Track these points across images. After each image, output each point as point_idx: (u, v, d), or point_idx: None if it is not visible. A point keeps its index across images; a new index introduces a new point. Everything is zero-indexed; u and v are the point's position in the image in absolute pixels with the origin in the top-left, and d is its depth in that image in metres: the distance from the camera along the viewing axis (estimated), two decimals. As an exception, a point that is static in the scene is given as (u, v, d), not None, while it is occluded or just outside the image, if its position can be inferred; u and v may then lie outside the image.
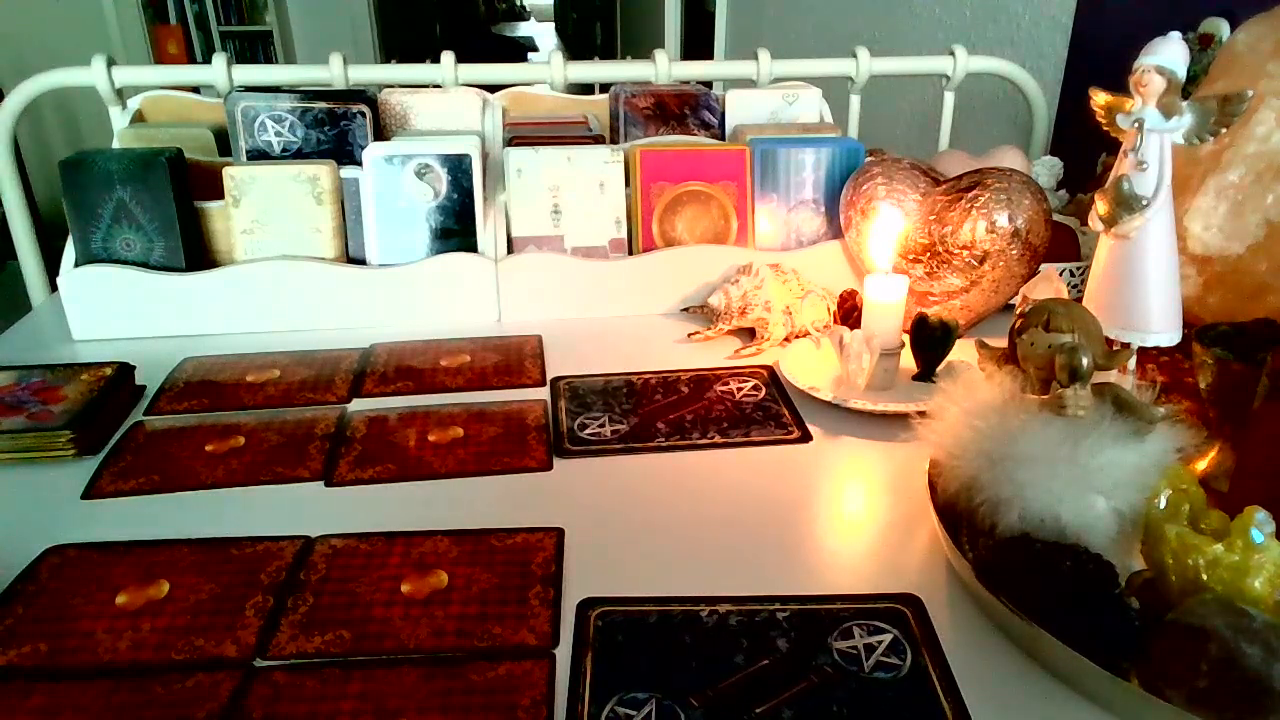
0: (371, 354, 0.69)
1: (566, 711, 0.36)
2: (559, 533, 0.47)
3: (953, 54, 0.99)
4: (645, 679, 0.37)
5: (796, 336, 0.70)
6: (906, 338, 0.63)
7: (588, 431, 0.58)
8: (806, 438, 0.57)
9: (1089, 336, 0.42)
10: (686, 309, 0.77)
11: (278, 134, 0.76)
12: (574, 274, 0.75)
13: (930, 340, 0.61)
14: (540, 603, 0.42)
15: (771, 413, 0.60)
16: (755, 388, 0.63)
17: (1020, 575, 0.39)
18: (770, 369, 0.66)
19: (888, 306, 0.60)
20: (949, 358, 0.62)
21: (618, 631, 0.40)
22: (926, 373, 0.62)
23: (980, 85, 1.13)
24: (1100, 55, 1.09)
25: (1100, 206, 0.54)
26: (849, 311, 0.69)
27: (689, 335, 0.72)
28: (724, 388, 0.63)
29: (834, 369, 0.63)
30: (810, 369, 0.63)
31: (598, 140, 0.86)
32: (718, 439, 0.57)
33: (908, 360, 0.63)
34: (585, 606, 0.41)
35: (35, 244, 0.92)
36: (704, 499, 0.51)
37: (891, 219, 0.62)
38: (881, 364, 0.60)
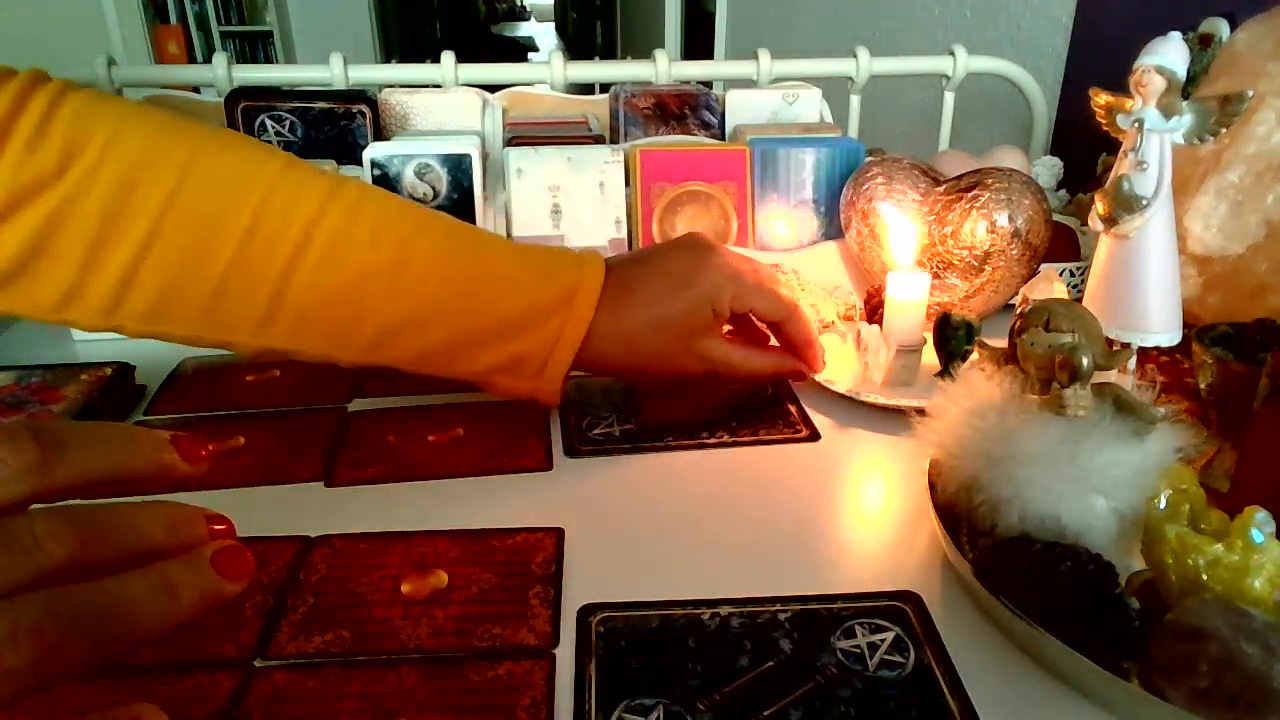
0: (371, 354, 0.69)
1: None
2: (559, 533, 0.47)
3: (953, 54, 0.99)
4: (650, 685, 0.37)
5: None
6: (929, 335, 0.62)
7: (596, 431, 0.58)
8: (815, 436, 0.57)
9: (1089, 336, 0.42)
10: (687, 309, 0.77)
11: (278, 134, 0.76)
12: (574, 274, 0.75)
13: (951, 338, 0.61)
14: (540, 603, 0.42)
15: (779, 411, 0.60)
16: (762, 386, 0.63)
17: (1020, 575, 0.39)
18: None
19: (908, 304, 0.60)
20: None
21: (619, 638, 0.40)
22: (947, 370, 0.62)
23: (980, 85, 1.13)
24: (1100, 55, 1.10)
25: (1100, 206, 0.54)
26: (875, 308, 0.69)
27: (689, 335, 0.71)
28: (730, 387, 0.63)
29: (853, 365, 0.63)
30: (830, 364, 0.64)
31: (598, 140, 0.86)
32: (726, 438, 0.57)
33: (930, 358, 0.63)
34: (586, 613, 0.41)
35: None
36: (705, 499, 0.51)
37: (908, 219, 0.62)
38: (900, 360, 0.60)
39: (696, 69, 0.99)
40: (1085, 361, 0.40)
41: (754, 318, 0.59)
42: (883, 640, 0.39)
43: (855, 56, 0.96)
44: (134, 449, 0.27)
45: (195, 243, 0.48)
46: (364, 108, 0.77)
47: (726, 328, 0.59)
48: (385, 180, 0.72)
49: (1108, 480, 0.40)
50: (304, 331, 0.51)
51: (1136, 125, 0.52)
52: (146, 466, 0.28)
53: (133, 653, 0.25)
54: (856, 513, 0.51)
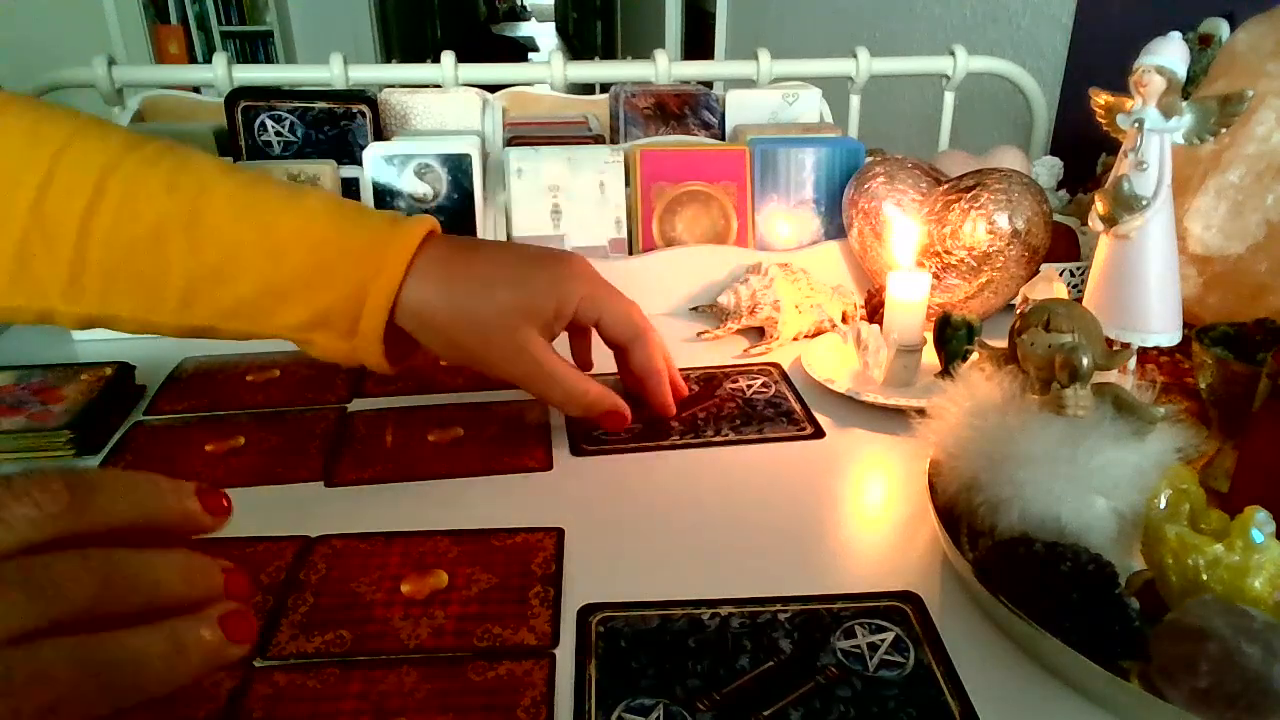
0: (371, 354, 0.69)
1: None
2: (559, 532, 0.47)
3: (953, 54, 0.99)
4: (650, 685, 0.37)
5: (806, 336, 0.70)
6: (929, 335, 0.62)
7: (597, 431, 0.57)
8: (819, 434, 0.57)
9: (1089, 336, 0.42)
10: (695, 308, 0.77)
11: (278, 134, 0.76)
12: (574, 274, 0.75)
13: (951, 338, 0.61)
14: (540, 603, 0.42)
15: (783, 409, 0.60)
16: (765, 384, 0.63)
17: (1020, 575, 0.39)
18: (779, 366, 0.66)
19: (908, 304, 0.60)
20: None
21: (619, 638, 0.40)
22: (947, 370, 0.62)
23: (980, 85, 1.13)
24: (1100, 55, 1.10)
25: (1100, 206, 0.54)
26: (876, 308, 0.69)
27: (698, 334, 0.72)
28: (734, 385, 0.63)
29: (854, 365, 0.64)
30: (831, 364, 0.64)
31: (598, 140, 0.86)
32: (731, 436, 0.57)
33: (930, 358, 0.63)
34: (586, 613, 0.41)
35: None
36: (705, 499, 0.51)
37: (909, 219, 0.63)
38: (900, 360, 0.60)
39: (696, 69, 0.99)
40: (1085, 361, 0.40)
41: (601, 334, 0.56)
42: (883, 640, 0.39)
43: (855, 56, 0.96)
44: (160, 498, 0.28)
45: None
46: (364, 108, 0.77)
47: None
48: (385, 181, 0.72)
49: (1108, 480, 0.40)
50: (113, 292, 0.49)
51: (1136, 125, 0.52)
52: (170, 515, 0.29)
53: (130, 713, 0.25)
54: (857, 513, 0.51)
